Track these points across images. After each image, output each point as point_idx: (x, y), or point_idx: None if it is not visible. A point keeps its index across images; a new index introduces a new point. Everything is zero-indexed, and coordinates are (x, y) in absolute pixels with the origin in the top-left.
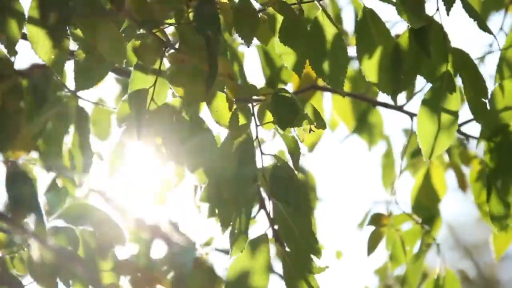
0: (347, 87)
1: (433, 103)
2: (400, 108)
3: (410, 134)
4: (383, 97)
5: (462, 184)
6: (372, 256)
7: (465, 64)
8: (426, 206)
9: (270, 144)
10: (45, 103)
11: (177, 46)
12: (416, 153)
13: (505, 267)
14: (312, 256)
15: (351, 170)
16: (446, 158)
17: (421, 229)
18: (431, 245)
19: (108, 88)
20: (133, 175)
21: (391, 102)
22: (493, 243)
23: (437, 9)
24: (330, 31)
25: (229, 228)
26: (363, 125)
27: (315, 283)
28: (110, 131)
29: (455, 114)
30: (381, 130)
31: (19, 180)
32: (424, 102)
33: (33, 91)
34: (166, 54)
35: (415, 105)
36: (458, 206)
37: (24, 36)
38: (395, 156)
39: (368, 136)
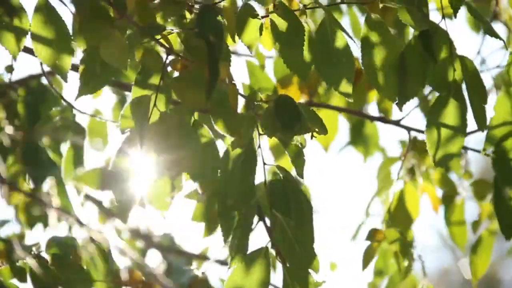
0: (342, 101)
1: (441, 112)
2: (397, 122)
3: (407, 148)
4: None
5: (435, 205)
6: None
7: (469, 71)
8: (400, 228)
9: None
10: (38, 120)
11: (180, 52)
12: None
13: (505, 267)
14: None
15: (346, 182)
16: (420, 180)
17: (409, 246)
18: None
19: (105, 99)
20: (134, 183)
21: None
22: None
23: (443, 17)
24: (336, 36)
25: (229, 240)
26: (358, 137)
27: None
28: (107, 141)
29: (463, 123)
30: (377, 142)
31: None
32: (432, 111)
33: (26, 107)
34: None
35: (412, 118)
36: None
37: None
38: (390, 168)
39: (363, 148)
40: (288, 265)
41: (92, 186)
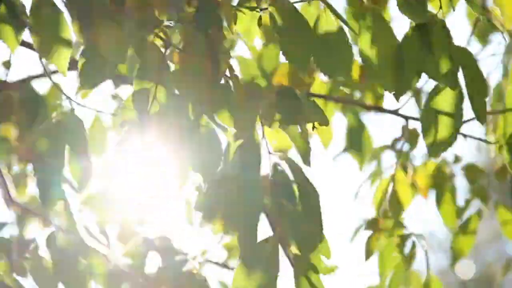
0: (341, 93)
1: (437, 102)
2: (395, 112)
3: (406, 136)
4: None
5: (424, 192)
6: (365, 271)
7: (467, 62)
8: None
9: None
10: (36, 117)
11: (179, 45)
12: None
13: None
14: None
15: (343, 185)
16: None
17: (410, 236)
18: (416, 252)
19: (104, 104)
20: (135, 177)
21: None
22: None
23: (440, 7)
24: (334, 27)
25: (236, 234)
26: (354, 144)
27: (320, 283)
28: (105, 146)
29: (459, 113)
30: (371, 149)
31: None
32: (428, 101)
33: (23, 105)
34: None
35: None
36: None
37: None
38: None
39: (358, 155)
40: (297, 252)
41: (96, 211)
